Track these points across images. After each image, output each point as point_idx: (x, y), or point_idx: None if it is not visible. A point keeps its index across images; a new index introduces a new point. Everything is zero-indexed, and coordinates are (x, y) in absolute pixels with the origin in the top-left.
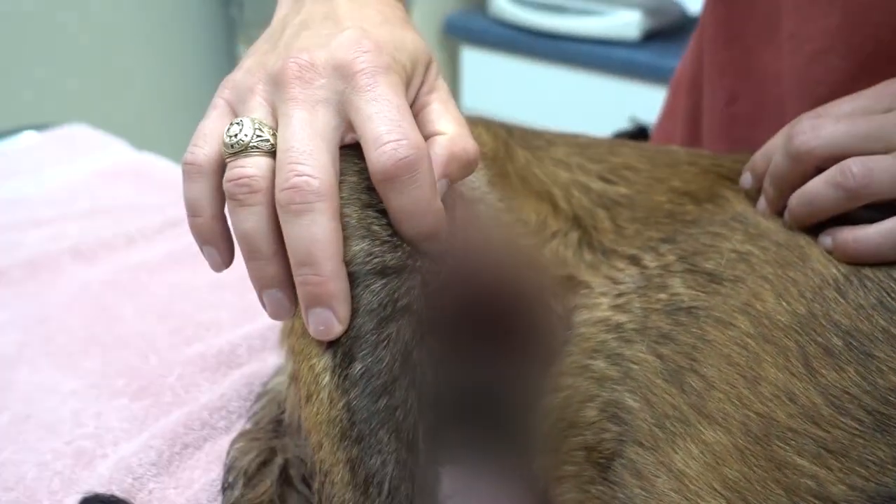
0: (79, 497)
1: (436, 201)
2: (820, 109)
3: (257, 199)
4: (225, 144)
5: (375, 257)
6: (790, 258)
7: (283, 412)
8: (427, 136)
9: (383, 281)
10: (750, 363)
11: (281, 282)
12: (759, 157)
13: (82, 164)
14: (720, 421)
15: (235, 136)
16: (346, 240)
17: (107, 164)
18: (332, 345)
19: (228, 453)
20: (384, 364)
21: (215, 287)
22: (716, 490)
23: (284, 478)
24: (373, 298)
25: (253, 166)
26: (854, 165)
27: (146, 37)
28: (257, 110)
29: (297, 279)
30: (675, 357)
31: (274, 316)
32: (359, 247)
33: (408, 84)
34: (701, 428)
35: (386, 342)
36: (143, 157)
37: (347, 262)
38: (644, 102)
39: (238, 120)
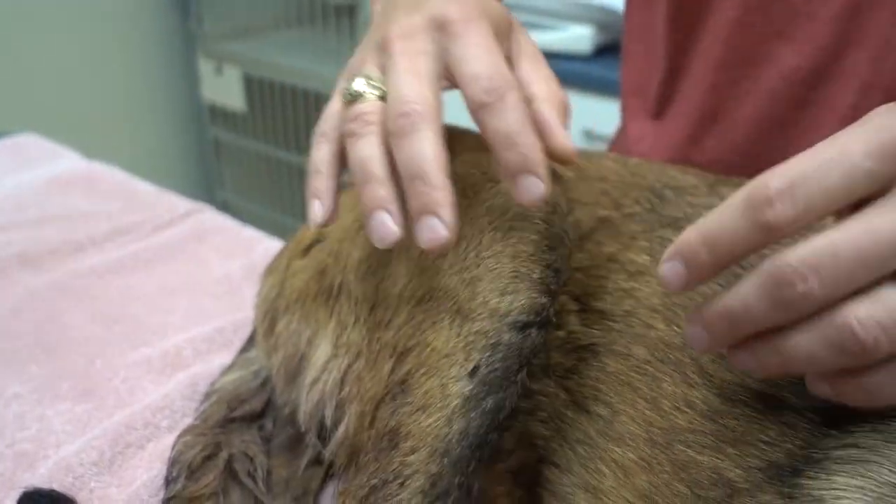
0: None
1: (530, 132)
2: (795, 174)
3: (371, 130)
4: (343, 98)
5: (544, 310)
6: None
7: (232, 410)
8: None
9: (538, 331)
10: (650, 385)
11: (391, 202)
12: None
13: (32, 173)
14: (627, 440)
15: (349, 89)
16: (518, 280)
17: (57, 174)
18: (473, 373)
19: (174, 447)
20: (506, 405)
21: (165, 292)
22: (628, 501)
23: (229, 471)
24: (528, 344)
25: (367, 105)
26: (860, 328)
27: (105, 50)
28: (369, 70)
29: (408, 193)
30: (581, 389)
31: (379, 240)
32: (538, 300)
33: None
34: (609, 448)
35: (513, 386)
36: (93, 167)
37: (522, 311)
38: (598, 114)
39: (352, 77)
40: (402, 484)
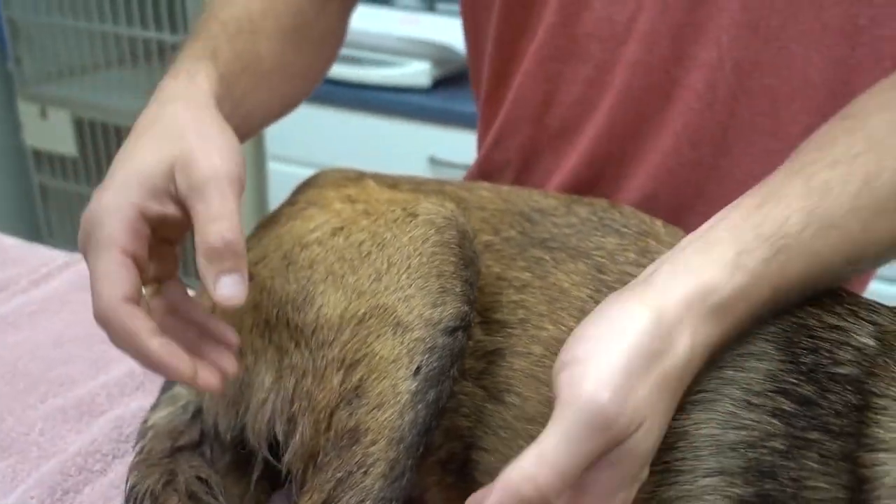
0: None
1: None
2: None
3: None
4: None
5: (466, 316)
6: (554, 295)
7: (174, 441)
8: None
9: (462, 334)
10: (549, 374)
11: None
12: None
13: None
14: (538, 420)
15: None
16: (444, 294)
17: None
18: (416, 373)
19: (128, 480)
20: (443, 396)
21: (58, 343)
22: None
23: (189, 494)
24: (457, 345)
25: None
26: None
27: None
28: None
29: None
30: (495, 385)
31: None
32: (461, 308)
33: None
34: (526, 428)
35: (448, 380)
36: None
37: (451, 318)
38: (439, 143)
39: None
40: (365, 472)
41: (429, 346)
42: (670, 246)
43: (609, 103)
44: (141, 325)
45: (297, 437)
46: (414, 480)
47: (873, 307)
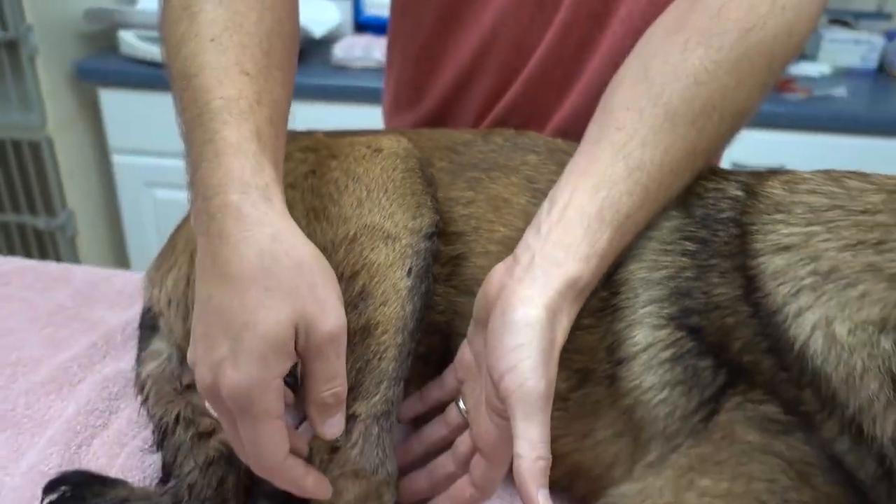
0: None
1: None
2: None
3: None
4: None
5: (438, 224)
6: (498, 204)
7: (177, 383)
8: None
9: (436, 238)
10: None
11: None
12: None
13: None
14: None
15: None
16: (420, 208)
17: None
18: (409, 273)
19: (152, 416)
20: (430, 288)
21: (4, 333)
22: None
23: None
24: (434, 248)
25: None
26: None
27: None
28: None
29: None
30: (464, 282)
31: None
32: (435, 217)
33: None
34: None
35: (430, 276)
36: None
37: (428, 226)
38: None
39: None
40: (380, 358)
41: (415, 250)
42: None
43: (551, 35)
44: (300, 471)
45: None
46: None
47: (736, 172)
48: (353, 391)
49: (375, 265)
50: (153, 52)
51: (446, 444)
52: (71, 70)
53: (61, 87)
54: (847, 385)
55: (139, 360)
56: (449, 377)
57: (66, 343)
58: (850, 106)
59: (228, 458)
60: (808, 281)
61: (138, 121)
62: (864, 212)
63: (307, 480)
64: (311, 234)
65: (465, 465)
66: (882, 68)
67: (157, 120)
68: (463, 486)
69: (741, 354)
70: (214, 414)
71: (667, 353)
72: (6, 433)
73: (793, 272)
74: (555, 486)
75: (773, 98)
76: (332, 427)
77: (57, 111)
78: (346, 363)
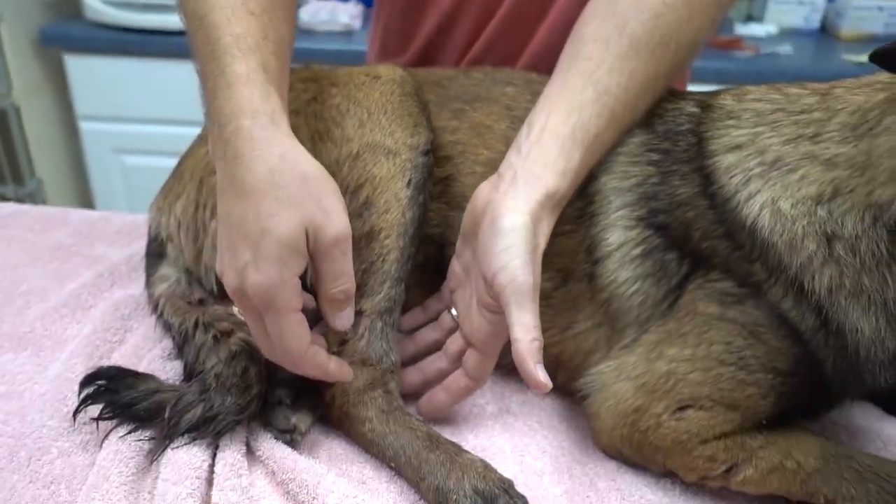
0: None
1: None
2: None
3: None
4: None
5: (432, 141)
6: (481, 130)
7: (189, 298)
8: None
9: (431, 155)
10: None
11: None
12: None
13: None
14: None
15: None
16: (417, 127)
17: None
18: (409, 184)
19: (169, 325)
20: (426, 199)
21: (8, 269)
22: None
23: (236, 321)
24: (429, 163)
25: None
26: None
27: None
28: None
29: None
30: (454, 199)
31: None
32: (430, 135)
33: None
34: None
35: (426, 188)
36: None
37: (425, 143)
38: None
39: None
40: (383, 260)
41: (414, 164)
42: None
43: None
44: (323, 357)
45: None
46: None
47: (691, 93)
48: (360, 290)
49: (378, 178)
50: (119, 16)
51: (437, 347)
52: (36, 36)
53: (26, 53)
54: (791, 249)
55: (149, 284)
56: (445, 291)
57: (72, 276)
58: (795, 62)
59: (250, 351)
60: (756, 171)
61: (105, 87)
62: (801, 112)
63: (330, 365)
64: (316, 155)
65: (455, 362)
66: (824, 28)
67: (124, 86)
68: (457, 378)
69: (700, 242)
70: (241, 317)
71: (637, 251)
72: (28, 351)
73: (743, 165)
74: None
75: (724, 56)
76: (343, 320)
77: (23, 78)
78: (353, 266)
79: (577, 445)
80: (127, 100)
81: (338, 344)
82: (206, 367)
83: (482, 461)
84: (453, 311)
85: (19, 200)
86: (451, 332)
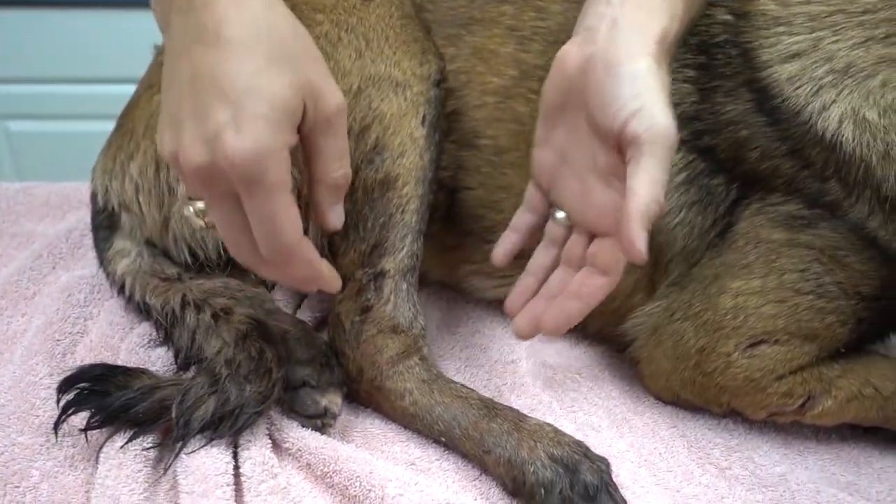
0: None
1: None
2: None
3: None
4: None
5: (443, 70)
6: (486, 56)
7: (160, 275)
8: None
9: (443, 85)
10: (508, 112)
11: None
12: None
13: None
14: (511, 149)
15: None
16: (425, 54)
17: None
18: (423, 121)
19: (147, 308)
20: (442, 137)
21: None
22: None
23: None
24: (442, 95)
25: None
26: None
27: None
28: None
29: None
30: (464, 136)
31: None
32: (441, 63)
33: None
34: (502, 158)
35: (442, 124)
36: None
37: (436, 72)
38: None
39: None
40: (403, 211)
41: (427, 98)
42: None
43: None
44: (314, 253)
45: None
46: None
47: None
48: (379, 248)
49: (388, 116)
50: None
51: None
52: None
53: None
54: (886, 160)
55: (105, 261)
56: (533, 199)
57: (2, 260)
58: None
59: (262, 330)
60: (827, 79)
61: (23, 41)
62: (865, 12)
63: (322, 265)
64: None
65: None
66: None
67: (41, 39)
68: (589, 278)
69: (758, 164)
70: (200, 205)
71: (681, 177)
72: None
73: (809, 74)
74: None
75: None
76: (337, 215)
77: None
78: (368, 220)
79: (626, 394)
80: (9, 60)
81: (359, 313)
82: (206, 353)
83: (550, 425)
84: (559, 215)
85: None
86: (566, 239)
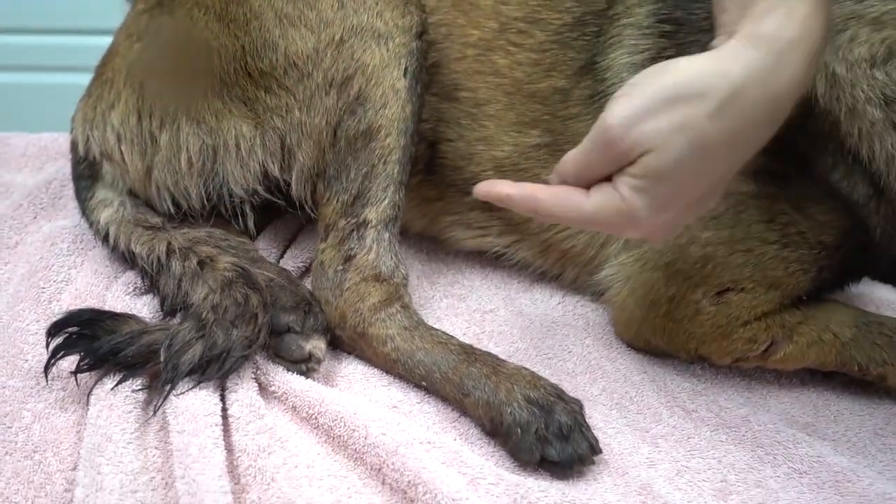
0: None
1: None
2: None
3: None
4: None
5: (425, 22)
6: (466, 8)
7: (144, 224)
8: None
9: (424, 38)
10: (488, 65)
11: None
12: None
13: None
14: (491, 101)
15: None
16: (408, 5)
17: None
18: (405, 73)
19: (133, 256)
20: (423, 90)
21: None
22: (507, 130)
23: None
24: (424, 47)
25: None
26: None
27: None
28: None
29: None
30: (444, 90)
31: None
32: (422, 15)
33: None
34: (482, 110)
35: (423, 76)
36: None
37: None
38: None
39: None
40: (385, 161)
41: (409, 49)
42: None
43: None
44: None
45: (298, 164)
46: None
47: None
48: (362, 198)
49: (370, 67)
50: None
51: None
52: None
53: None
54: (851, 115)
55: (87, 211)
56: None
57: None
58: None
59: (246, 276)
60: None
61: None
62: None
63: None
64: (290, 43)
65: None
66: None
67: None
68: None
69: None
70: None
71: None
72: None
73: None
74: (545, 277)
75: None
76: None
77: None
78: (351, 170)
79: (600, 341)
80: None
81: (342, 262)
82: (192, 299)
83: (527, 369)
84: None
85: None
86: None
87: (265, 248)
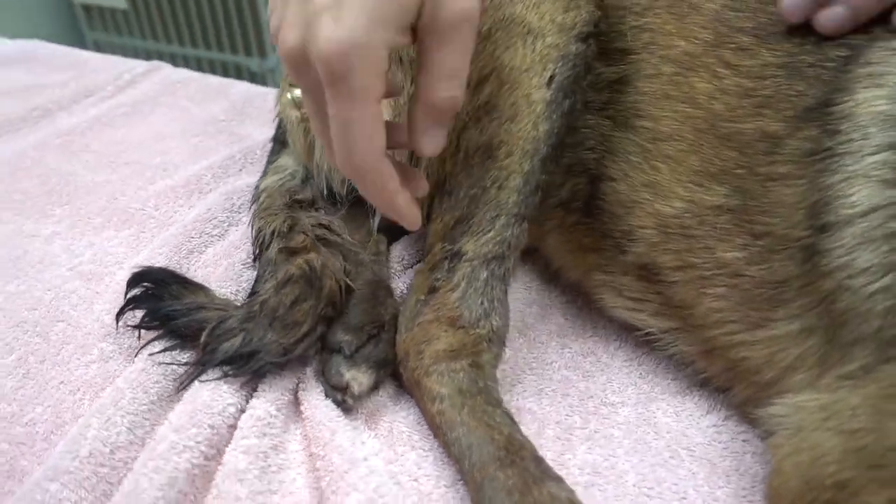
0: (112, 298)
1: None
2: None
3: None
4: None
5: (599, 21)
6: (683, 11)
7: (290, 197)
8: None
9: (594, 42)
10: (684, 90)
11: None
12: None
13: None
14: (674, 137)
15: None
16: (583, 5)
17: None
18: (550, 82)
19: (252, 226)
20: (576, 107)
21: (157, 138)
22: (684, 180)
23: (314, 234)
24: (590, 53)
25: None
26: None
27: None
28: None
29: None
30: (622, 113)
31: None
32: (595, 13)
33: None
34: (660, 147)
35: (580, 91)
36: (22, 45)
37: (584, 23)
38: None
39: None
40: (500, 187)
41: (562, 52)
42: None
43: None
44: (393, 182)
45: (421, 167)
46: (529, 230)
47: None
48: (463, 223)
49: (507, 69)
50: None
51: None
52: None
53: None
54: None
55: (263, 174)
56: None
57: (209, 153)
58: None
59: (309, 279)
60: None
61: None
62: None
63: (398, 197)
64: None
65: None
66: None
67: None
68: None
69: None
70: (297, 93)
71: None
72: (131, 230)
73: None
74: (709, 385)
75: None
76: (433, 140)
77: None
78: (461, 188)
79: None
80: None
81: (425, 291)
82: (263, 287)
83: (569, 497)
84: None
85: (262, 74)
86: None
87: (398, 254)
